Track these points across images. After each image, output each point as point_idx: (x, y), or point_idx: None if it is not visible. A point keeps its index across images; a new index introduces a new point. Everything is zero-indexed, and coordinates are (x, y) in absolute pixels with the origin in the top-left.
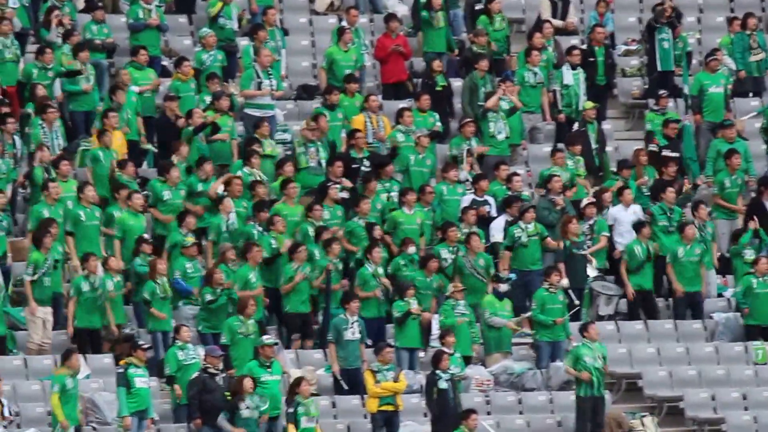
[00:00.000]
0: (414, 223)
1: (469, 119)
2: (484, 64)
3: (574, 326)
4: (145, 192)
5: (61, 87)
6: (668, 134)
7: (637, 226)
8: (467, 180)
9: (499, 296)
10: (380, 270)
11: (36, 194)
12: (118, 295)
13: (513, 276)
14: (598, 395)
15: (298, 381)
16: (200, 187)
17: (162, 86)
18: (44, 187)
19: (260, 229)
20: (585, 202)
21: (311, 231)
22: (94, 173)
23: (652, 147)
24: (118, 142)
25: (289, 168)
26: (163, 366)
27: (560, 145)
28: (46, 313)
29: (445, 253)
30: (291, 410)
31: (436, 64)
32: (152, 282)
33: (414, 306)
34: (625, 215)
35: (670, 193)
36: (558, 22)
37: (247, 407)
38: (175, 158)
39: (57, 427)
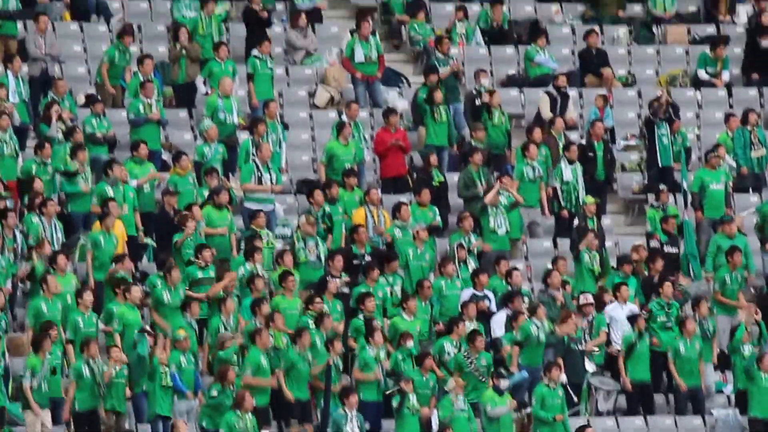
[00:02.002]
0: (414, 330)
1: (466, 213)
2: (477, 157)
3: (573, 423)
4: (144, 288)
5: (60, 187)
6: (667, 230)
7: (632, 319)
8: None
9: (499, 392)
10: (382, 354)
11: (36, 289)
12: (120, 383)
13: (525, 374)
14: None
15: None
16: (200, 274)
17: (162, 180)
18: (43, 280)
19: (260, 326)
20: (582, 300)
21: (311, 324)
22: (94, 258)
23: (654, 243)
24: (119, 231)
25: (288, 259)
26: None
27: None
28: (44, 416)
29: (449, 347)
30: None
31: (432, 159)
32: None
33: (412, 402)
34: (620, 313)
35: (668, 288)
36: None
37: None
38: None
39: None
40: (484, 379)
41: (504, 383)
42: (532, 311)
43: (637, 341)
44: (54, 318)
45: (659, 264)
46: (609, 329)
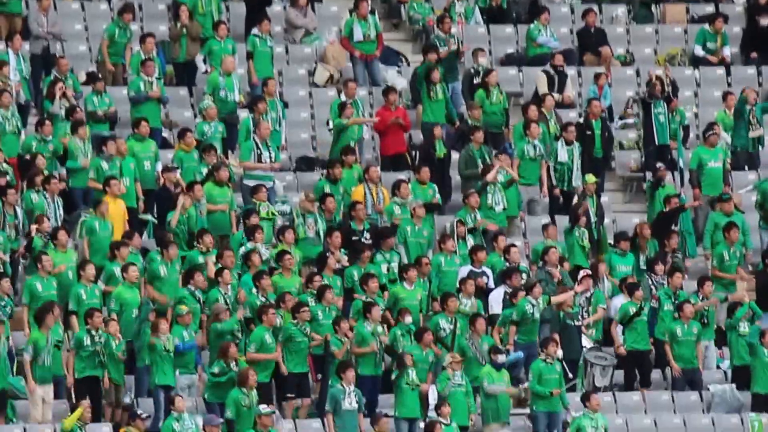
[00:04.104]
0: (414, 299)
1: (472, 190)
2: (479, 136)
3: (570, 396)
4: (144, 263)
5: (60, 162)
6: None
7: (631, 288)
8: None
9: (497, 367)
10: (379, 328)
11: (32, 265)
12: (118, 357)
13: (521, 354)
14: None
15: None
16: (201, 259)
17: (162, 157)
18: (37, 259)
19: (263, 299)
20: (582, 274)
21: (312, 301)
22: (90, 244)
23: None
24: (119, 210)
25: (289, 236)
26: None
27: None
28: (46, 391)
29: (444, 324)
30: None
31: (437, 132)
32: (157, 338)
33: (411, 378)
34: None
35: (677, 279)
36: (555, 96)
37: None
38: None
39: None
40: (484, 363)
41: (501, 358)
42: (528, 289)
43: (637, 312)
44: (49, 297)
45: (674, 240)
46: (612, 322)
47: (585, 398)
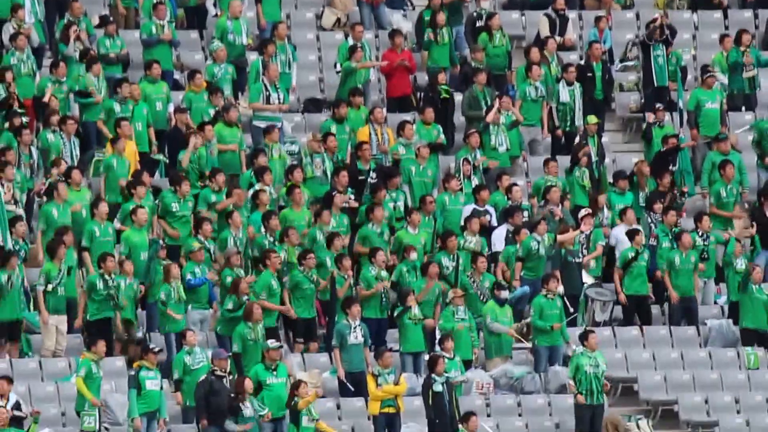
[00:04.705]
0: (419, 242)
1: (473, 130)
2: (481, 77)
3: (571, 331)
4: (156, 202)
5: (74, 99)
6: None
7: (631, 234)
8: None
9: (500, 302)
10: (383, 273)
11: (49, 195)
12: (131, 296)
13: (527, 288)
14: (597, 404)
15: (297, 383)
16: (213, 198)
17: (173, 99)
18: (54, 187)
19: (271, 239)
20: (582, 212)
21: (320, 236)
22: (107, 181)
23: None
24: (131, 150)
25: (298, 174)
26: (171, 370)
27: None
28: (59, 321)
29: (446, 261)
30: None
31: (441, 77)
32: (167, 285)
33: (414, 313)
34: (624, 236)
35: (672, 217)
36: (557, 39)
37: (248, 408)
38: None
39: (86, 405)
40: (486, 300)
41: (504, 294)
42: (533, 226)
43: (635, 256)
44: (65, 223)
45: (666, 180)
46: (614, 253)
47: (583, 337)
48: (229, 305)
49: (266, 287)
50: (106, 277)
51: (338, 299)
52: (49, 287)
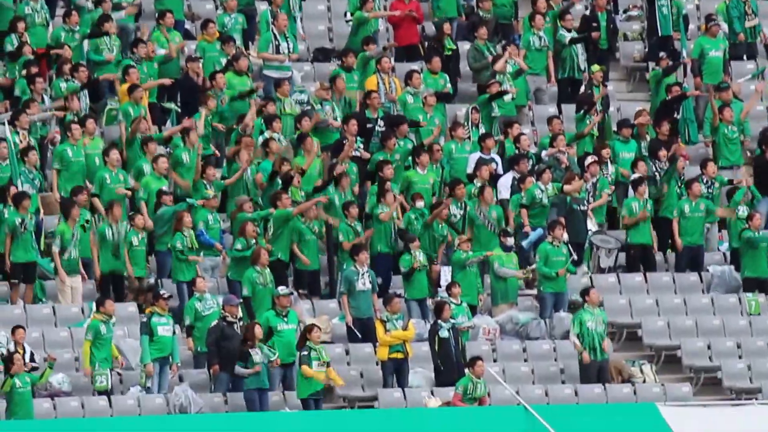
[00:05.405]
0: (427, 182)
1: (494, 80)
2: (483, 32)
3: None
4: (168, 149)
5: (86, 55)
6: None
7: (635, 184)
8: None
9: (506, 249)
10: (393, 213)
11: (63, 134)
12: (140, 249)
13: (540, 231)
14: (601, 359)
15: (310, 328)
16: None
17: (186, 48)
18: (67, 128)
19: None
20: (589, 160)
21: (331, 188)
22: (126, 129)
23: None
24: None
25: (306, 123)
26: (183, 317)
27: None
28: (74, 281)
29: (454, 209)
30: (304, 353)
31: (446, 28)
32: (180, 233)
33: (418, 259)
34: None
35: (680, 165)
36: None
37: (258, 354)
38: (202, 110)
39: (97, 364)
40: (494, 230)
41: (510, 241)
42: (538, 175)
43: (637, 208)
44: (78, 164)
45: (665, 128)
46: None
47: (585, 293)
48: (238, 246)
49: (284, 217)
50: (114, 227)
51: (339, 245)
52: (65, 254)
